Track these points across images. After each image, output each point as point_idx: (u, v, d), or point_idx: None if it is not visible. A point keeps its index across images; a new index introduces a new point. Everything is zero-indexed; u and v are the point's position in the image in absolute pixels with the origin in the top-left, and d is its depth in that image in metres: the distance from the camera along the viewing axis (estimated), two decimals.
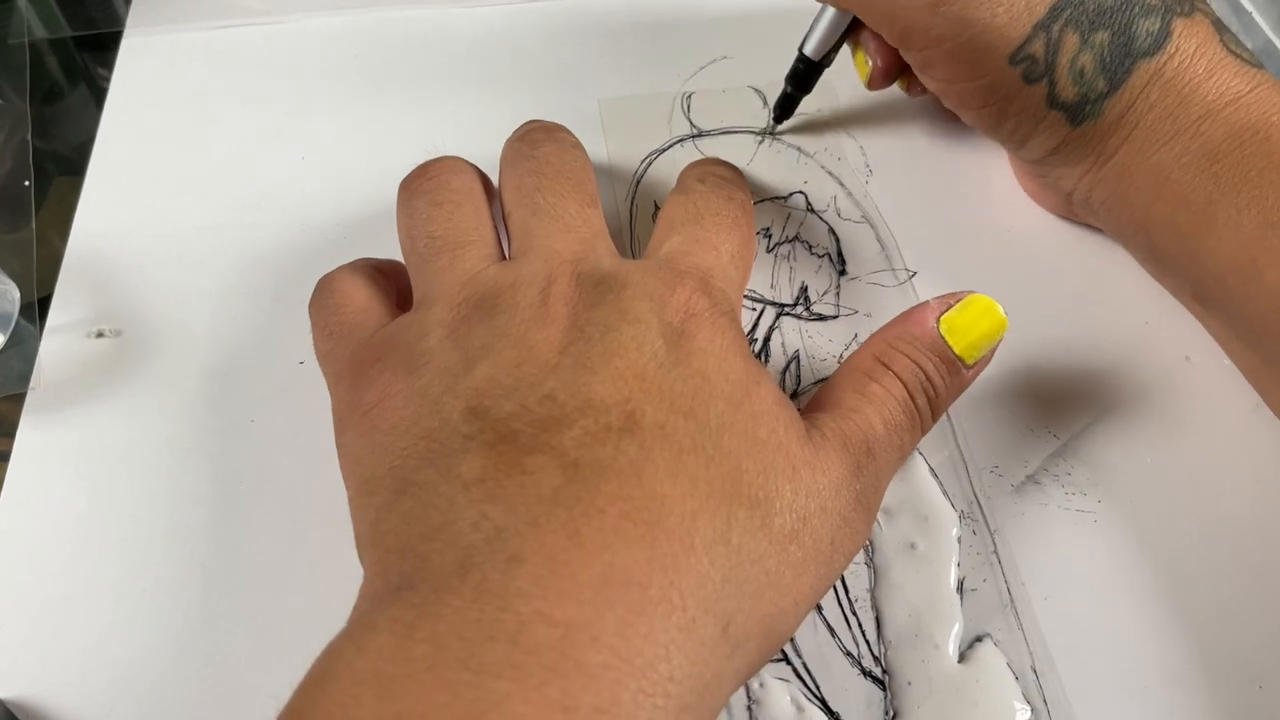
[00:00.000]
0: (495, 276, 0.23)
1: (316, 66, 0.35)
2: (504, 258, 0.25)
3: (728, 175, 0.29)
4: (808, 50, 0.31)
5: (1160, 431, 0.28)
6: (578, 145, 0.28)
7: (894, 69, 0.30)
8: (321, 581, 0.24)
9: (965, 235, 0.32)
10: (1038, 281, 0.31)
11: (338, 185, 0.32)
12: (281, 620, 0.24)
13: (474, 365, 0.21)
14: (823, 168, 0.34)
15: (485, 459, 0.19)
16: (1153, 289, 0.30)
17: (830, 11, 0.30)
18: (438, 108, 0.34)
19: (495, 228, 0.26)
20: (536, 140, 0.27)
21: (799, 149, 0.34)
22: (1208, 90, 0.26)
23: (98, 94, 0.35)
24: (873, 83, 0.31)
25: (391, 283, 0.26)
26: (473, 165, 0.27)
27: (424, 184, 0.26)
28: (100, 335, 0.28)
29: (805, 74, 0.32)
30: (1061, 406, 0.28)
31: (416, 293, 0.24)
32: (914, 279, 0.31)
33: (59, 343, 0.28)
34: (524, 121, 0.29)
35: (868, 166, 0.33)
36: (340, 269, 0.26)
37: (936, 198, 0.33)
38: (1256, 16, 0.37)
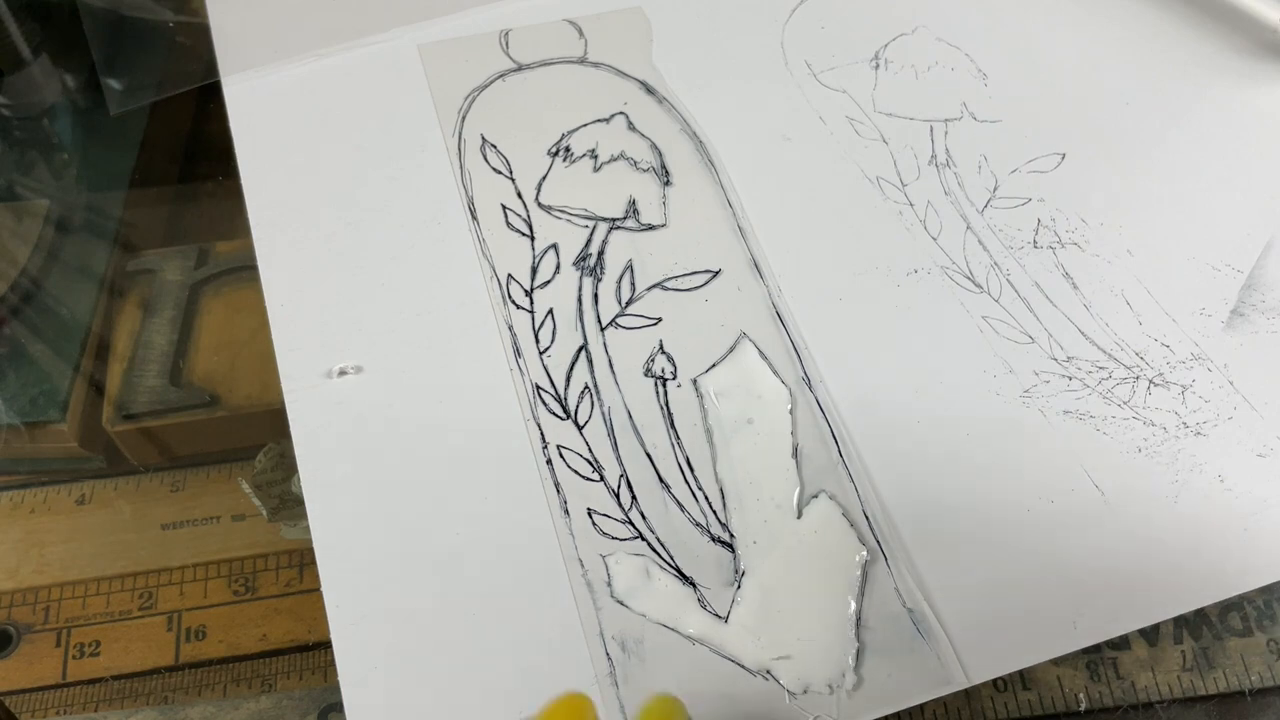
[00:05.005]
0: None
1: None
2: None
3: None
4: None
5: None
6: None
7: None
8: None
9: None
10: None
11: None
12: None
13: None
14: (641, 86, 0.35)
15: None
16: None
17: None
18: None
19: None
20: None
21: (615, 69, 0.35)
22: None
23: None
24: None
25: None
26: None
27: None
28: (343, 374, 0.28)
29: None
30: None
31: None
32: (733, 183, 0.33)
33: (300, 391, 0.28)
34: None
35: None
36: None
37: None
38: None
